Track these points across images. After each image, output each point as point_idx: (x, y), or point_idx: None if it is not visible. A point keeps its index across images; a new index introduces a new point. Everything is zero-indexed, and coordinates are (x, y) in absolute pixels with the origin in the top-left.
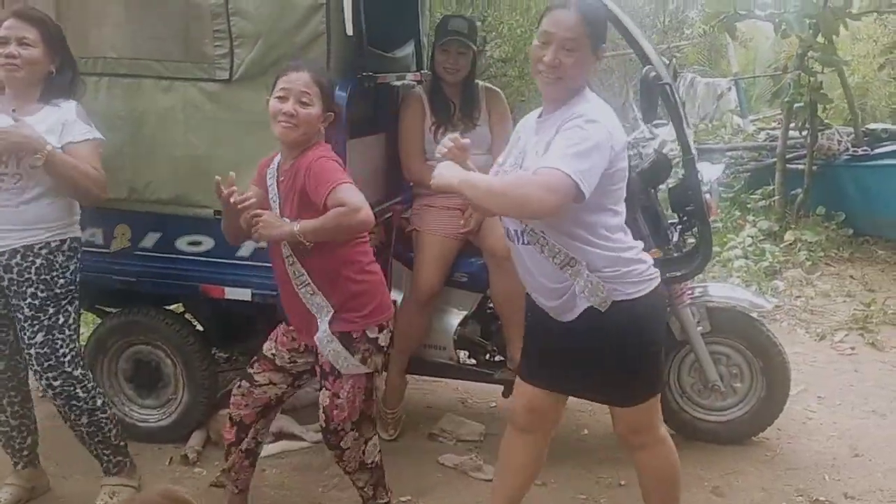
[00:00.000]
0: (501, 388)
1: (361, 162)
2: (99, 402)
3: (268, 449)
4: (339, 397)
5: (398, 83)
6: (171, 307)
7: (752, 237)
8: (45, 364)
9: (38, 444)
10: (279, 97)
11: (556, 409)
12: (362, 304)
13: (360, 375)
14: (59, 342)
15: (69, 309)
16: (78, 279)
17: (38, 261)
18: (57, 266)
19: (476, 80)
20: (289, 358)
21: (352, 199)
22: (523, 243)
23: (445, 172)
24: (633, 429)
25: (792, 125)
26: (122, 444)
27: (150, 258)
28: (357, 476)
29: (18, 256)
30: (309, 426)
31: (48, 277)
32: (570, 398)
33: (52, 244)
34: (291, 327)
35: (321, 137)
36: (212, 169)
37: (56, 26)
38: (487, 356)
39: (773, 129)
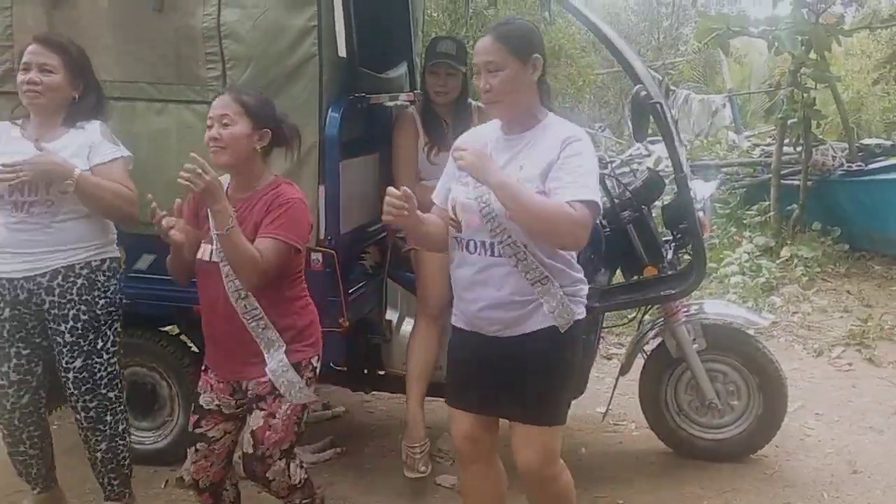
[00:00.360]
0: None
1: (354, 182)
2: (121, 428)
3: None
4: (274, 417)
5: (391, 104)
6: (166, 329)
7: (748, 253)
8: (83, 388)
9: (54, 469)
10: (208, 126)
11: (490, 434)
12: (309, 334)
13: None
14: (98, 366)
15: (108, 333)
16: (119, 301)
17: (80, 280)
18: (98, 285)
19: (469, 100)
20: (235, 403)
21: (269, 257)
22: (493, 255)
23: (482, 163)
24: (551, 456)
25: (786, 141)
26: (129, 473)
27: (144, 280)
28: (290, 499)
29: (60, 277)
30: (306, 446)
31: (89, 297)
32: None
33: (93, 263)
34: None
35: (262, 158)
36: None
37: (79, 51)
38: None
39: (768, 144)
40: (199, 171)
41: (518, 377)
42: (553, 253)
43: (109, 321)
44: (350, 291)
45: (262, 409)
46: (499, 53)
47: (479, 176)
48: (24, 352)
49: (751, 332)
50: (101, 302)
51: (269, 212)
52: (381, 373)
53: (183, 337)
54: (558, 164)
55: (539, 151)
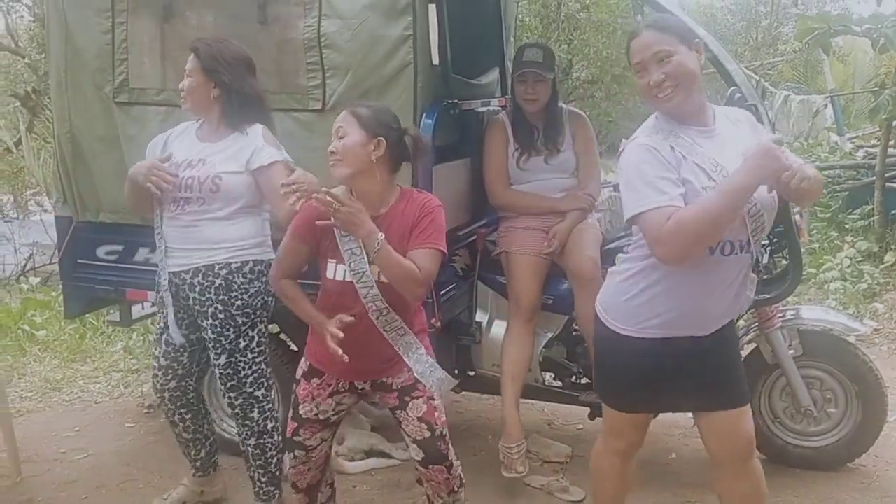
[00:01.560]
0: (588, 410)
1: (446, 186)
2: (269, 426)
3: (358, 465)
4: (434, 399)
5: (483, 109)
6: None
7: (850, 258)
8: (228, 384)
9: (214, 455)
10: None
11: (644, 431)
12: (423, 319)
13: None
14: (242, 364)
15: (250, 333)
16: (262, 303)
17: (218, 280)
18: (235, 287)
19: (560, 104)
20: (334, 409)
21: (429, 269)
22: (747, 252)
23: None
24: (752, 435)
25: (891, 142)
26: (278, 472)
27: None
28: (456, 497)
29: (200, 276)
30: (397, 444)
31: (226, 298)
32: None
33: (233, 265)
34: (325, 376)
35: (387, 174)
36: None
37: (216, 51)
38: (573, 378)
39: (872, 146)
40: (335, 204)
41: (722, 365)
42: None
43: (250, 322)
44: (442, 293)
45: (417, 398)
46: (662, 40)
47: (770, 175)
48: (173, 341)
49: (850, 338)
50: (238, 303)
51: (418, 222)
52: (472, 373)
53: (283, 335)
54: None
55: (740, 141)
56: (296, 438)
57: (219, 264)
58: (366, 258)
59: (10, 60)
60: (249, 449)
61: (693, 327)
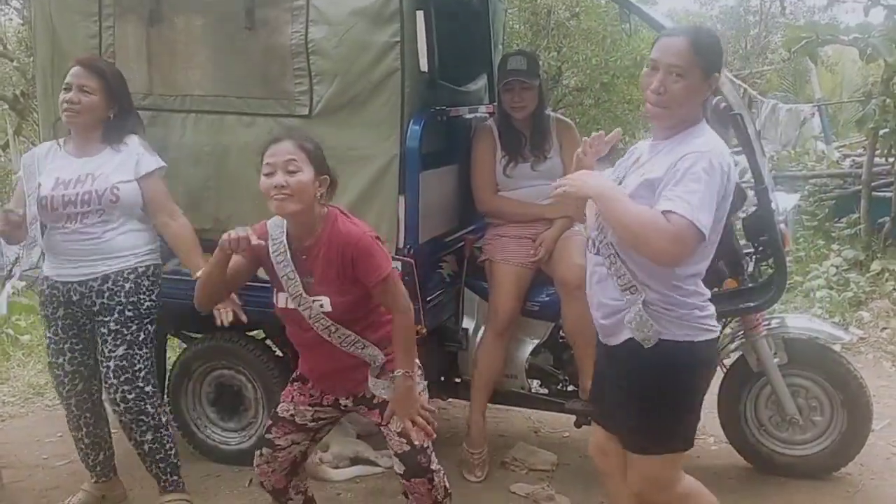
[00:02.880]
0: (573, 418)
1: (434, 193)
2: (164, 420)
3: (343, 473)
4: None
5: (470, 116)
6: (253, 333)
7: (836, 267)
8: (123, 377)
9: (111, 458)
10: (266, 174)
11: (617, 450)
12: (389, 337)
13: None
14: (138, 357)
15: (149, 328)
16: (159, 304)
17: (127, 285)
18: (143, 290)
19: (548, 111)
20: (311, 415)
21: (401, 297)
22: (595, 253)
23: (587, 178)
24: (646, 480)
25: (878, 151)
26: (178, 462)
27: None
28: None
29: (109, 282)
30: (382, 451)
31: (135, 300)
32: None
33: (139, 269)
34: (309, 385)
35: (318, 203)
36: None
37: (117, 75)
38: (559, 385)
39: (859, 155)
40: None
41: (621, 394)
42: (644, 264)
43: (150, 318)
44: (428, 299)
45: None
46: (689, 60)
47: (581, 191)
48: (77, 346)
49: (836, 347)
50: (147, 304)
51: (356, 264)
52: (458, 380)
53: (268, 341)
54: (672, 176)
55: (661, 159)
56: (266, 436)
57: (127, 269)
58: (300, 284)
59: None
60: (147, 445)
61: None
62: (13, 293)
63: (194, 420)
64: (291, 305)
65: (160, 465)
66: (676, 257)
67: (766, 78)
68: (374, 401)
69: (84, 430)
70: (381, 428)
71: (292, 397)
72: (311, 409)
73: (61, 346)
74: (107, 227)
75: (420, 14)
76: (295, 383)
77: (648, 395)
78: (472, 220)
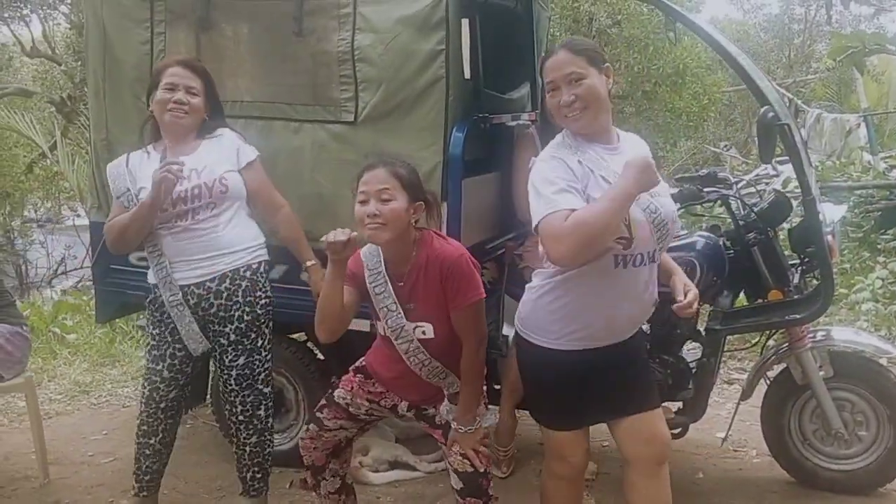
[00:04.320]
0: None
1: (475, 200)
2: (270, 423)
3: (382, 477)
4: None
5: (513, 123)
6: (295, 336)
7: (882, 279)
8: (244, 383)
9: (162, 473)
10: (361, 201)
11: (583, 451)
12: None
13: None
14: (258, 363)
15: (265, 331)
16: (273, 301)
17: (244, 283)
18: (259, 286)
19: None
20: (366, 410)
21: (483, 326)
22: (652, 261)
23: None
24: (665, 436)
25: None
26: (269, 471)
27: (276, 289)
28: None
29: (227, 281)
30: (423, 456)
31: (252, 298)
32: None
33: (253, 265)
34: (373, 381)
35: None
36: (336, 207)
37: (212, 78)
38: None
39: None
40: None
41: (636, 370)
42: None
43: (267, 320)
44: None
45: None
46: (576, 63)
47: (649, 186)
48: (180, 353)
49: (882, 361)
50: (262, 301)
51: (447, 283)
52: (497, 387)
53: (310, 344)
54: None
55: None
56: (318, 414)
57: (243, 267)
58: (402, 314)
59: (46, 67)
60: (248, 448)
61: (610, 336)
62: (61, 292)
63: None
64: (390, 335)
65: (255, 468)
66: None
67: (810, 87)
68: (437, 420)
69: (159, 436)
70: (443, 446)
71: (352, 387)
72: (367, 404)
73: (164, 351)
74: (219, 221)
75: (465, 22)
76: (358, 375)
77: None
78: (513, 227)
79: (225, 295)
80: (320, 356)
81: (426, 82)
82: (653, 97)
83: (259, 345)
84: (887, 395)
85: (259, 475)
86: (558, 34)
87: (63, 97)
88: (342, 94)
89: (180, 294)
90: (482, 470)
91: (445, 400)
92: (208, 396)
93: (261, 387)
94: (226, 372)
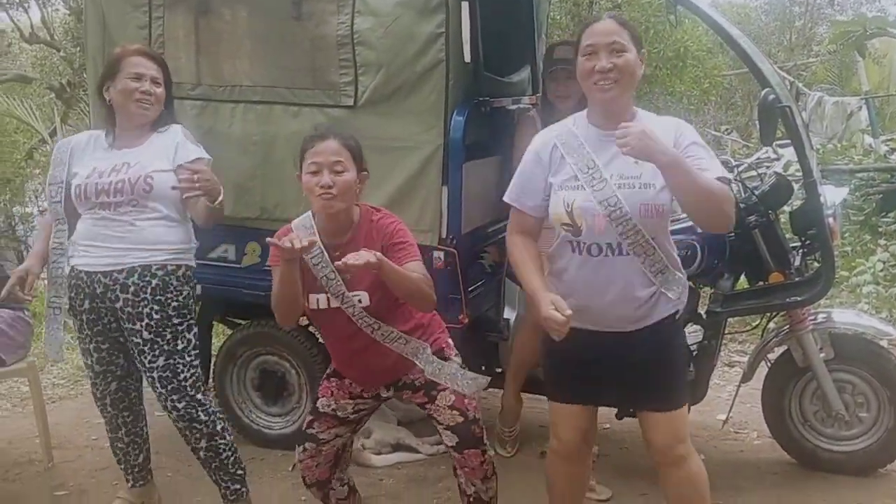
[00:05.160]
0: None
1: (476, 184)
2: (218, 427)
3: (385, 459)
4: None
5: (513, 107)
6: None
7: (883, 262)
8: (169, 387)
9: (149, 460)
10: (312, 171)
11: (594, 429)
12: (436, 322)
13: None
14: (181, 366)
15: (187, 336)
16: (192, 307)
17: (154, 281)
18: (171, 288)
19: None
20: (352, 408)
21: (428, 276)
22: (620, 254)
23: (660, 143)
24: (677, 437)
25: None
26: (239, 472)
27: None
28: (489, 484)
29: (136, 276)
30: (425, 438)
31: (162, 298)
32: None
33: (169, 267)
34: (347, 381)
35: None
36: None
37: (165, 63)
38: None
39: None
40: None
41: (646, 368)
42: (669, 242)
43: (185, 324)
44: (469, 289)
45: (443, 389)
46: (623, 35)
47: (649, 154)
48: (104, 346)
49: (883, 342)
50: (174, 304)
51: (394, 244)
52: (498, 370)
53: (311, 328)
54: (684, 148)
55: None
56: (309, 431)
57: (156, 265)
58: (342, 281)
59: (45, 53)
60: (202, 453)
61: (601, 324)
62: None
63: (239, 404)
64: (334, 305)
65: (217, 472)
66: (733, 219)
67: (811, 70)
68: (417, 383)
69: (122, 429)
70: (428, 406)
71: (331, 392)
72: (351, 402)
73: (87, 344)
74: (139, 217)
75: (465, 5)
76: (332, 379)
77: (680, 354)
78: None
79: (132, 290)
80: (321, 340)
81: (426, 66)
82: (653, 81)
83: (180, 347)
84: (888, 377)
85: (226, 479)
86: (558, 17)
87: (62, 83)
88: (342, 78)
89: (66, 299)
90: (472, 415)
91: (426, 354)
92: (210, 381)
93: (192, 392)
94: (148, 374)
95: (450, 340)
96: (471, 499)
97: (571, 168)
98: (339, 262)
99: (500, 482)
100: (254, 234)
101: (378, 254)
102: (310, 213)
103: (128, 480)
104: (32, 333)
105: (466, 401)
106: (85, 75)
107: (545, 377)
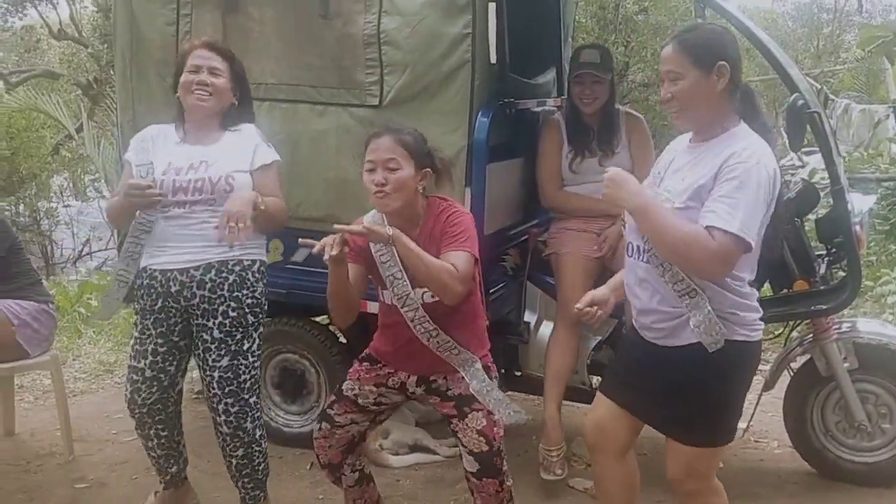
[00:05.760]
0: None
1: (499, 186)
2: (258, 435)
3: (402, 460)
4: (493, 414)
5: (538, 109)
6: (318, 319)
7: None
8: (227, 389)
9: (184, 470)
10: (368, 169)
11: (624, 431)
12: (486, 339)
13: None
14: (243, 368)
15: (254, 335)
16: (265, 304)
17: (232, 277)
18: (248, 284)
19: (617, 106)
20: (374, 398)
21: (465, 268)
22: (644, 262)
23: (626, 189)
24: (688, 472)
25: None
26: (265, 478)
27: (299, 272)
28: None
29: (213, 272)
30: (443, 440)
31: (239, 294)
32: None
33: (245, 262)
34: (379, 365)
35: (429, 194)
36: (361, 191)
37: (240, 62)
38: None
39: None
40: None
41: (666, 390)
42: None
43: (256, 323)
44: (491, 291)
45: (477, 410)
46: (679, 62)
47: (616, 201)
48: (161, 349)
49: None
50: (249, 301)
51: (446, 231)
52: (518, 373)
53: (332, 327)
54: (717, 183)
55: (703, 165)
56: (328, 411)
57: (232, 261)
58: (408, 282)
59: (73, 49)
60: (235, 461)
61: (640, 323)
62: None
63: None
64: (396, 303)
65: (244, 479)
66: (716, 273)
67: (838, 77)
68: (450, 392)
69: (155, 440)
70: (455, 422)
71: (359, 375)
72: (375, 389)
73: (145, 346)
74: (214, 215)
75: (492, 6)
76: (364, 363)
77: (706, 393)
78: (537, 213)
79: (209, 286)
80: (342, 339)
81: (452, 66)
82: None
83: (245, 348)
84: None
85: (250, 485)
86: (584, 21)
87: (89, 80)
88: (367, 78)
89: (134, 275)
90: (496, 446)
91: (477, 369)
92: None
93: (246, 396)
94: (208, 373)
95: (492, 364)
96: None
97: (654, 173)
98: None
99: (520, 488)
100: (277, 233)
101: (394, 229)
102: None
103: (162, 482)
104: (56, 327)
105: (495, 429)
106: (112, 72)
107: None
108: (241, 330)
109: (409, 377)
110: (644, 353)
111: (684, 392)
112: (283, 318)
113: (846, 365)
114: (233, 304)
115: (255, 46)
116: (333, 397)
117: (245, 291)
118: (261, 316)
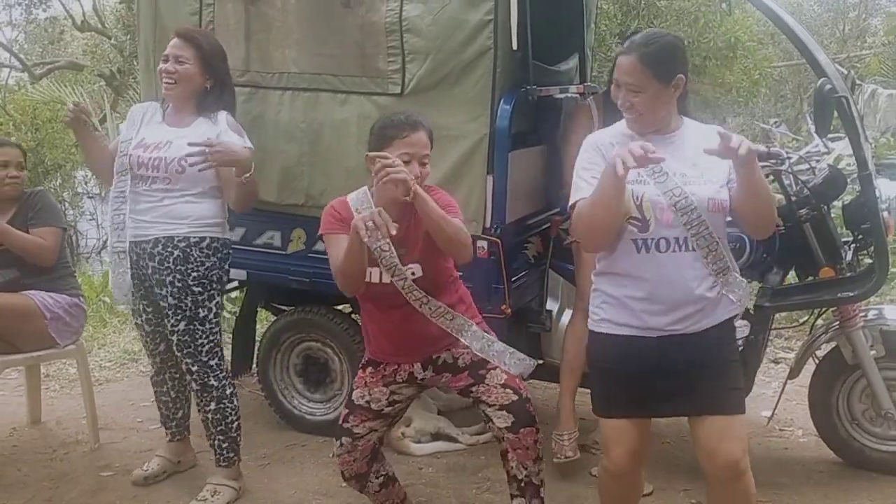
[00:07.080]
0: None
1: (521, 173)
2: (228, 391)
3: (424, 448)
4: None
5: (560, 96)
6: (340, 307)
7: None
8: (185, 350)
9: (188, 417)
10: (406, 161)
11: (648, 442)
12: (470, 300)
13: None
14: (199, 332)
15: (208, 304)
16: (216, 277)
17: (176, 252)
18: (192, 260)
19: None
20: (387, 399)
21: (466, 231)
22: (687, 249)
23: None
24: (742, 446)
25: None
26: (238, 438)
27: (322, 261)
28: (540, 466)
29: (160, 246)
30: (465, 428)
31: (183, 268)
32: None
33: (192, 239)
34: (382, 366)
35: None
36: None
37: (215, 46)
38: None
39: None
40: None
41: (709, 370)
42: (727, 246)
43: (206, 294)
44: (513, 279)
45: (492, 369)
46: (640, 76)
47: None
48: (149, 308)
49: None
50: (194, 275)
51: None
52: (540, 362)
53: (354, 316)
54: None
55: (686, 148)
56: (345, 425)
57: (178, 237)
58: (396, 254)
59: (96, 41)
60: (209, 415)
61: (656, 324)
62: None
63: (281, 390)
64: (385, 279)
65: (219, 436)
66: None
67: (864, 62)
68: (460, 362)
69: (169, 383)
70: (475, 388)
71: (365, 382)
72: (385, 389)
73: (137, 305)
74: (168, 194)
75: None
76: (367, 369)
77: (735, 357)
78: (559, 201)
79: (157, 259)
80: (364, 317)
81: (473, 53)
82: (702, 71)
83: (202, 315)
84: None
85: (225, 444)
86: (606, 7)
87: (113, 71)
88: (389, 66)
89: (127, 243)
90: (524, 394)
91: (473, 329)
92: (254, 366)
93: (204, 358)
94: (170, 338)
95: (489, 330)
96: (521, 483)
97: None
98: None
99: None
100: (299, 221)
101: (416, 186)
102: (365, 188)
103: (167, 434)
104: (86, 319)
105: (517, 380)
106: (135, 63)
107: (592, 390)
108: (189, 298)
109: (414, 365)
110: (670, 349)
111: (729, 364)
112: (306, 307)
113: (873, 353)
114: (177, 276)
115: (277, 35)
116: (346, 411)
117: (189, 266)
118: (210, 288)
